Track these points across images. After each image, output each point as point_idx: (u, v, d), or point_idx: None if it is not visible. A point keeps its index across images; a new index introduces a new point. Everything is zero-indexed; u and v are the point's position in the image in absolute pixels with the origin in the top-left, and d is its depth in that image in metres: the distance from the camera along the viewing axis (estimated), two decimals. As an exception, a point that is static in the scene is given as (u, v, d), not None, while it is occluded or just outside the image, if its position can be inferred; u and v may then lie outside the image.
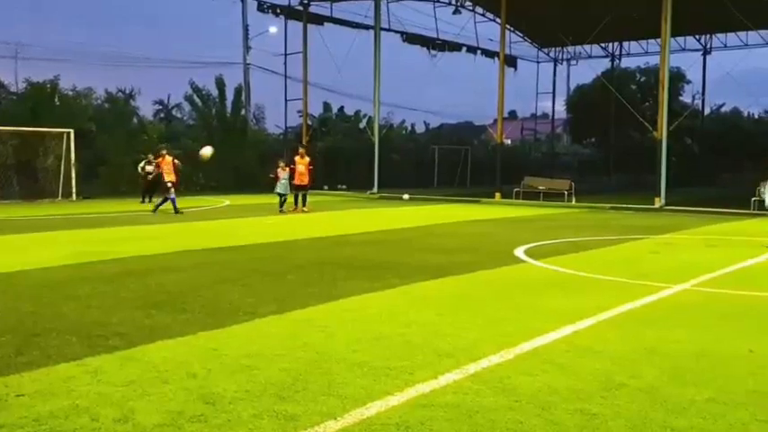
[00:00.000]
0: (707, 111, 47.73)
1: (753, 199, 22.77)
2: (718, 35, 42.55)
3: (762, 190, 12.29)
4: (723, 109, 51.47)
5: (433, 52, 39.14)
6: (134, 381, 4.80)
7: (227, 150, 31.61)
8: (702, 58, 43.32)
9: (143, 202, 24.28)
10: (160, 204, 20.29)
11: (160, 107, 47.03)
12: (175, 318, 6.72)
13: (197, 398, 4.46)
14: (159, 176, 21.47)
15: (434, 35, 38.86)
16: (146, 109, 42.01)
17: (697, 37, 42.48)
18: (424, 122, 53.45)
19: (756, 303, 7.86)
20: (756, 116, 51.07)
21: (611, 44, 45.79)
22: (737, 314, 7.25)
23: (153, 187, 24.14)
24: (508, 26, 33.97)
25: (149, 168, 24.76)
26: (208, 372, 5.02)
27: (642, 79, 47.17)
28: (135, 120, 34.18)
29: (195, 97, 35.59)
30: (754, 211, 21.95)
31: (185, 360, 5.30)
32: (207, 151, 19.79)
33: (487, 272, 9.91)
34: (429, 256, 11.51)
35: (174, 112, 45.36)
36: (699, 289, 8.70)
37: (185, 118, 40.95)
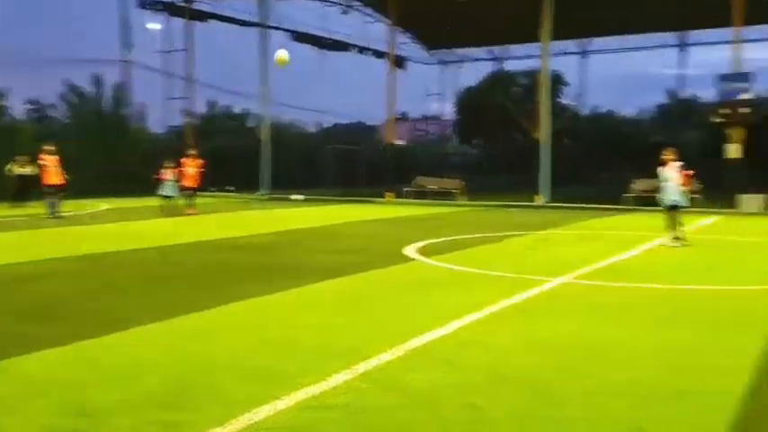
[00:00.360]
0: (586, 112, 50.18)
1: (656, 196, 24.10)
2: (596, 39, 44.82)
3: (662, 185, 13.14)
4: (600, 110, 54.27)
5: (323, 51, 39.11)
6: (4, 395, 4.51)
7: (105, 150, 30.27)
8: (581, 61, 45.55)
9: (13, 204, 22.88)
10: (53, 207, 18.92)
11: (33, 107, 44.40)
12: (50, 327, 6.37)
13: (72, 411, 4.24)
14: (36, 178, 20.25)
15: (324, 34, 38.83)
16: (18, 109, 39.52)
17: (576, 41, 44.58)
18: (316, 122, 53.33)
19: (631, 294, 8.33)
20: (631, 117, 54.15)
21: (496, 48, 47.29)
22: (614, 305, 7.66)
23: (26, 189, 22.80)
24: (397, 28, 34.44)
25: (23, 170, 23.39)
26: (84, 383, 4.78)
27: (525, 82, 49.02)
28: (5, 120, 32.12)
29: (71, 95, 33.88)
30: (628, 207, 23.37)
31: (60, 372, 5.03)
32: (283, 54, 15.38)
33: (378, 271, 10.00)
34: (321, 257, 11.49)
35: (49, 112, 42.95)
36: (578, 282, 9.14)
37: (61, 117, 38.88)
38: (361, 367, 5.15)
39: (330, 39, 39.16)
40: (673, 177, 13.09)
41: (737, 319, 7.02)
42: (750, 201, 23.44)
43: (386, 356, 5.45)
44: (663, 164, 13.32)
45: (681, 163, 13.23)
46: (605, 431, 4.03)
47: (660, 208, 13.82)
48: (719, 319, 7.02)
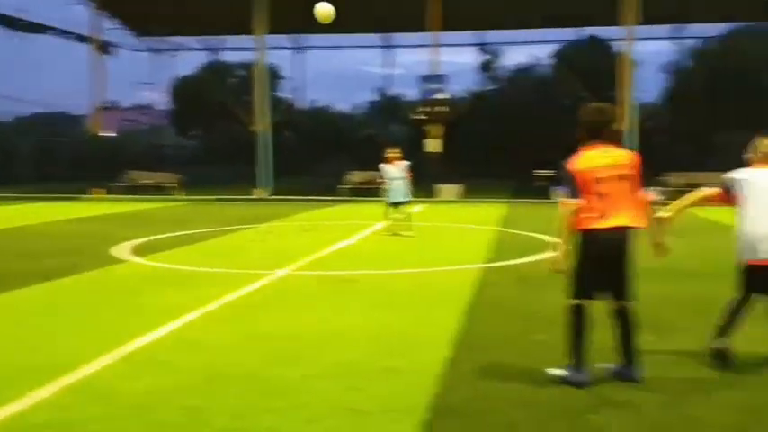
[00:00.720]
0: (305, 106, 51.63)
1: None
2: (312, 36, 46.28)
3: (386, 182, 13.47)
4: (318, 105, 56.22)
5: (19, 34, 35.15)
6: None
7: None
8: (298, 56, 46.75)
9: None
10: None
11: None
12: None
13: None
14: None
15: (20, 15, 34.90)
16: None
17: (291, 36, 45.59)
18: (10, 111, 47.83)
19: (347, 281, 8.76)
20: (346, 112, 56.84)
21: (211, 38, 46.50)
22: (332, 293, 7.99)
23: None
24: (103, 11, 32.18)
25: None
26: None
27: (242, 73, 48.93)
28: None
29: None
30: (345, 198, 24.58)
31: None
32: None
33: (86, 274, 9.29)
34: (18, 262, 10.35)
35: None
36: (299, 273, 9.38)
37: None
38: (67, 379, 4.76)
39: (26, 20, 35.34)
40: (398, 175, 13.60)
41: (439, 297, 7.73)
42: (448, 190, 26.06)
43: (95, 365, 5.09)
44: (388, 161, 13.79)
45: (407, 162, 13.84)
46: (324, 415, 4.19)
47: (381, 200, 14.41)
48: (425, 298, 7.67)
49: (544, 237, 12.58)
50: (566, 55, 41.14)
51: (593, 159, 4.56)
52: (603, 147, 4.62)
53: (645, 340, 5.00)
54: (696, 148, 40.98)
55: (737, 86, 36.23)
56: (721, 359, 4.89)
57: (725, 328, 4.91)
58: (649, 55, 42.51)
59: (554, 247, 4.82)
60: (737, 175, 5.01)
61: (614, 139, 4.68)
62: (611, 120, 4.73)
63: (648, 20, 25.96)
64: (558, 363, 4.76)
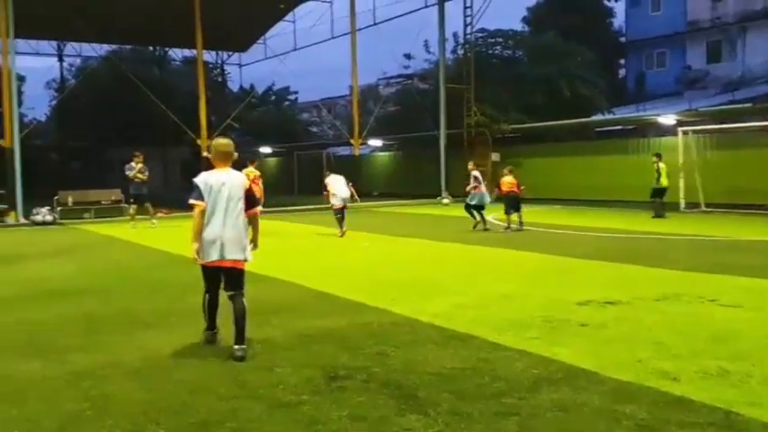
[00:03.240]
0: None
1: None
2: None
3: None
4: None
5: None
6: None
7: None
8: None
9: None
10: None
11: None
12: None
13: None
14: None
15: None
16: None
17: None
18: None
19: None
20: None
21: None
22: None
23: None
24: None
25: None
26: None
27: None
28: None
29: None
30: None
31: None
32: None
33: None
34: None
35: None
36: None
37: None
38: None
39: None
40: None
41: None
42: None
43: None
44: None
45: None
46: None
47: None
48: None
49: None
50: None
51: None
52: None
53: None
54: (88, 165, 41.35)
55: (121, 104, 37.91)
56: (211, 341, 5.75)
57: (208, 320, 5.76)
58: (34, 71, 40.82)
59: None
60: (199, 178, 5.56)
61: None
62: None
63: (27, 34, 24.75)
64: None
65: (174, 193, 32.08)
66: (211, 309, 5.71)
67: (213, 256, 5.42)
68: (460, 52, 30.80)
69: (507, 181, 15.08)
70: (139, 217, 17.85)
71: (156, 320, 6.69)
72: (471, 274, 9.39)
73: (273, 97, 48.93)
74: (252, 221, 5.66)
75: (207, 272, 5.58)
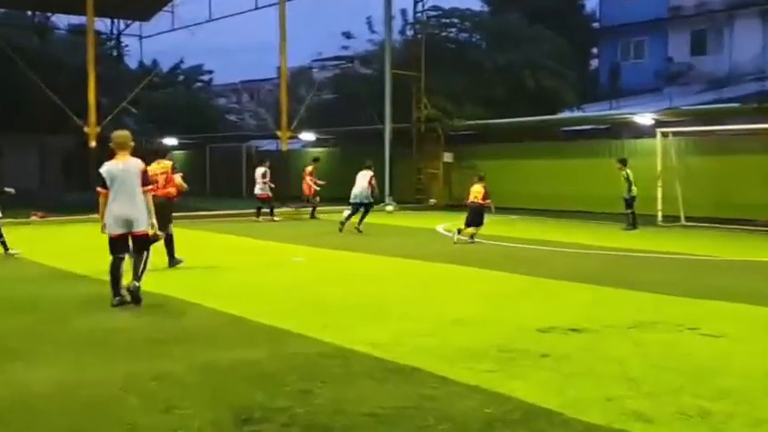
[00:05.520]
0: None
1: None
2: None
3: None
4: None
5: None
6: None
7: None
8: None
9: None
10: None
11: None
12: None
13: None
14: None
15: None
16: None
17: None
18: None
19: None
20: None
21: None
22: None
23: None
24: None
25: None
26: None
27: None
28: None
29: None
30: None
31: None
32: None
33: None
34: None
35: None
36: None
37: None
38: None
39: None
40: None
41: None
42: None
43: None
44: None
45: None
46: None
47: None
48: None
49: None
50: None
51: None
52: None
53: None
54: None
55: None
56: (121, 303, 8.14)
57: (113, 287, 8.17)
58: None
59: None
60: (103, 168, 8.25)
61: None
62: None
63: None
64: None
65: (51, 193, 30.94)
66: (116, 275, 8.14)
67: (122, 229, 8.16)
68: (410, 33, 31.05)
69: (474, 190, 15.39)
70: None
71: (27, 349, 6.48)
72: (419, 295, 9.42)
73: (182, 77, 48.23)
74: (146, 197, 8.33)
75: (115, 241, 8.20)
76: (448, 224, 16.21)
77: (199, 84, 49.41)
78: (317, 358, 6.14)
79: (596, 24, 40.46)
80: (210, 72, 49.65)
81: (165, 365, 5.89)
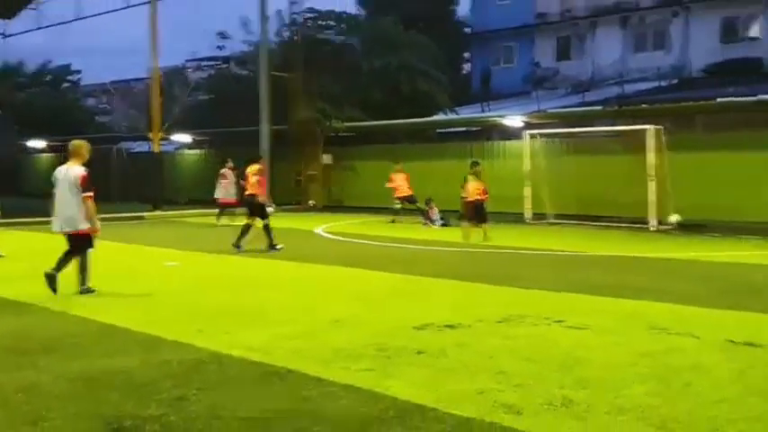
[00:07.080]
0: None
1: None
2: None
3: None
4: None
5: None
6: None
7: None
8: None
9: None
10: None
11: None
12: None
13: None
14: None
15: None
16: None
17: None
18: None
19: None
20: None
21: None
22: None
23: None
24: None
25: None
26: None
27: None
28: None
29: None
30: None
31: None
32: None
33: None
34: None
35: None
36: None
37: None
38: None
39: None
40: None
41: None
42: None
43: None
44: None
45: None
46: None
47: None
48: None
49: None
50: None
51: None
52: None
53: None
54: None
55: None
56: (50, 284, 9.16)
57: (60, 265, 9.34)
58: None
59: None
60: (55, 172, 9.48)
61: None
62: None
63: None
64: None
65: None
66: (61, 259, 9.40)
67: (56, 228, 9.42)
68: (286, 34, 30.79)
69: (474, 187, 15.72)
70: None
71: None
72: (296, 297, 9.37)
73: (49, 77, 46.15)
74: (84, 202, 9.20)
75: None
76: (327, 225, 16.21)
77: (66, 84, 47.40)
78: (192, 364, 6.01)
79: (468, 30, 41.41)
80: (78, 72, 47.79)
81: (30, 376, 5.62)
